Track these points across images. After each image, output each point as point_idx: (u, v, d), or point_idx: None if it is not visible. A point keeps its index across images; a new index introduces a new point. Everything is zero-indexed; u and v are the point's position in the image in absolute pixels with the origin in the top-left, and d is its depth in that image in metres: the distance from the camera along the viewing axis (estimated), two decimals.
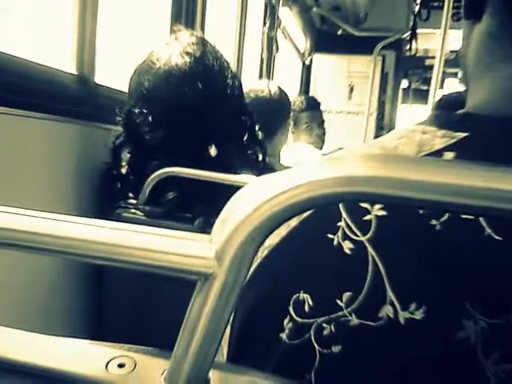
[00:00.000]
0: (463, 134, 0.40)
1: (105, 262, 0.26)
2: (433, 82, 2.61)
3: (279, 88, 2.00)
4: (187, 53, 1.07)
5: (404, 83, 4.65)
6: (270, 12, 2.78)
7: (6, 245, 0.27)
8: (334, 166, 0.24)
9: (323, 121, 2.85)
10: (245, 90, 1.23)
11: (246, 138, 1.15)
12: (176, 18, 1.74)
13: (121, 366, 0.29)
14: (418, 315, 0.36)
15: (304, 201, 0.24)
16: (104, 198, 1.17)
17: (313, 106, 2.81)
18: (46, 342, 0.31)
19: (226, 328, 0.26)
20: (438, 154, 0.40)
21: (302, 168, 0.25)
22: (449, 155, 0.39)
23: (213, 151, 1.06)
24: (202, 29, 1.86)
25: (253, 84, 2.00)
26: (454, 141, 0.40)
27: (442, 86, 2.88)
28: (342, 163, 0.25)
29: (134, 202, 1.08)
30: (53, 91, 1.08)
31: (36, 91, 1.01)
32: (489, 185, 0.22)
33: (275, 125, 1.93)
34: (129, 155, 1.09)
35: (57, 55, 1.18)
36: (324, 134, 2.85)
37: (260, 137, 1.24)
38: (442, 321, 0.36)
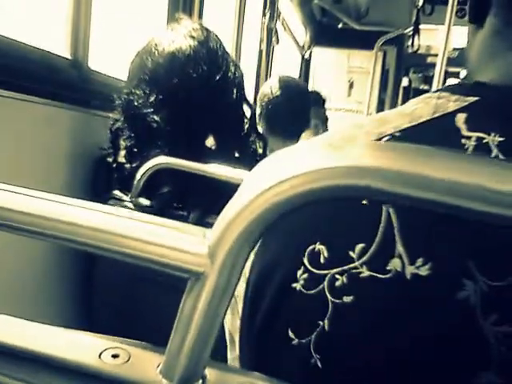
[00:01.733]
0: (474, 98, 0.43)
1: (91, 249, 0.24)
2: (435, 80, 2.59)
3: (302, 83, 1.97)
4: (191, 36, 1.07)
5: (404, 81, 4.63)
6: (270, 2, 2.76)
7: None
8: (339, 154, 0.22)
9: (327, 118, 2.83)
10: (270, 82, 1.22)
11: (246, 129, 1.14)
12: (173, 8, 1.72)
13: (115, 356, 0.28)
14: (424, 271, 0.37)
15: (301, 194, 0.22)
16: (96, 187, 1.15)
17: (316, 102, 2.78)
18: (38, 329, 0.30)
19: (220, 325, 0.25)
20: (451, 115, 0.42)
21: (302, 154, 0.23)
22: (461, 117, 0.42)
23: (211, 141, 1.05)
24: (200, 19, 1.85)
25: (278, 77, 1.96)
26: (465, 104, 0.43)
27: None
28: (347, 151, 0.22)
29: (127, 193, 1.06)
30: (45, 75, 1.05)
31: (27, 74, 0.98)
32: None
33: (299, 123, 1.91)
34: (126, 141, 1.07)
35: (51, 38, 1.17)
36: (327, 131, 2.83)
37: (260, 130, 1.23)
38: (445, 279, 0.37)
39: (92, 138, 1.15)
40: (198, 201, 1.00)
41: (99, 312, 1.09)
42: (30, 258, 1.00)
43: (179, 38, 1.07)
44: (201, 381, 0.26)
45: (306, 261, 0.42)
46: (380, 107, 4.28)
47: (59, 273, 1.11)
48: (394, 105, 4.34)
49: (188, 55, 1.04)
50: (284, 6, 3.14)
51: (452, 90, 0.46)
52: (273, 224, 0.23)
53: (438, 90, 0.47)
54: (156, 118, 1.01)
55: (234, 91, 1.10)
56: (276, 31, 2.88)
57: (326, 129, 2.83)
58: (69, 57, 1.16)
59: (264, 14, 2.76)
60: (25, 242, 0.90)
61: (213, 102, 1.04)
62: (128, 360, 0.28)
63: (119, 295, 1.02)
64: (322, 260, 0.42)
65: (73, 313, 1.16)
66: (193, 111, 1.03)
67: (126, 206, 1.04)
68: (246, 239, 0.23)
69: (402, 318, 0.38)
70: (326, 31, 4.16)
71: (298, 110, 1.88)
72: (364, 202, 0.41)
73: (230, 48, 2.31)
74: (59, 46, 1.15)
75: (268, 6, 2.76)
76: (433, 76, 2.63)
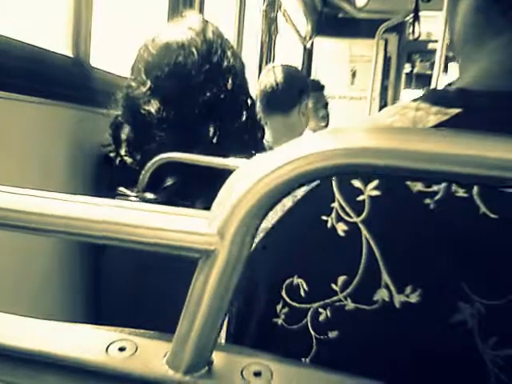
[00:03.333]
0: (456, 110, 0.40)
1: (102, 240, 0.25)
2: (436, 66, 2.57)
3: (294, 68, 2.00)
4: (190, 28, 1.08)
5: (407, 68, 4.60)
6: None
7: (3, 225, 0.26)
8: (340, 137, 0.23)
9: (327, 103, 2.85)
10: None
11: (244, 118, 1.13)
12: (174, 2, 1.71)
13: (121, 349, 0.28)
14: (414, 298, 0.36)
15: (307, 172, 0.23)
16: (99, 185, 1.16)
17: (316, 88, 2.80)
18: (44, 326, 0.30)
19: (229, 306, 0.25)
20: None
21: (305, 139, 0.24)
22: None
23: (211, 130, 1.05)
24: (201, 11, 1.84)
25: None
26: (447, 117, 0.40)
27: (446, 70, 2.83)
28: (346, 134, 0.24)
29: (132, 189, 1.07)
30: (47, 73, 1.05)
31: (29, 73, 0.99)
32: (501, 154, 0.21)
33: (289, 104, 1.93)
34: (127, 135, 1.08)
35: (52, 37, 1.17)
36: (328, 116, 2.85)
37: (259, 118, 1.23)
38: (437, 304, 0.36)
39: (94, 136, 1.15)
40: (200, 190, 1.01)
41: (106, 307, 1.10)
42: (35, 256, 1.01)
43: (177, 30, 1.08)
44: (207, 368, 0.26)
45: (284, 295, 0.41)
46: (383, 94, 4.27)
47: (65, 271, 1.12)
48: (396, 91, 4.32)
49: (181, 45, 1.05)
50: None
51: (432, 99, 0.43)
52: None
53: (416, 99, 0.44)
54: (146, 107, 1.02)
55: (230, 80, 1.08)
56: (276, 21, 2.86)
57: (326, 113, 2.85)
58: (70, 55, 1.16)
59: (264, 5, 2.74)
60: (30, 240, 0.91)
61: (206, 90, 1.04)
62: (135, 352, 0.27)
63: (126, 289, 1.03)
64: (302, 293, 0.40)
65: (80, 309, 1.17)
66: (186, 100, 1.03)
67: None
68: (255, 215, 0.23)
69: (393, 347, 0.37)
70: (328, 21, 4.14)
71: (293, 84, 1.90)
72: (341, 233, 0.39)
73: (231, 40, 2.30)
74: (61, 44, 1.15)
75: None
76: (434, 62, 2.61)
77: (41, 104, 0.97)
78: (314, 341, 0.39)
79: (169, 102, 1.03)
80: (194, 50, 1.04)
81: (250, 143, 1.13)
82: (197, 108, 1.03)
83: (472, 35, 0.44)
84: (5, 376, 0.27)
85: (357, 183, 0.40)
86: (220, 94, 1.06)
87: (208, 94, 1.04)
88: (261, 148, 1.18)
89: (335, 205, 0.40)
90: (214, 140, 1.04)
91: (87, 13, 1.17)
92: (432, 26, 3.63)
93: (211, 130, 1.04)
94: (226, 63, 1.08)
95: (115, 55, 1.48)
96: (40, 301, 1.03)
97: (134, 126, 1.06)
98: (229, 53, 1.10)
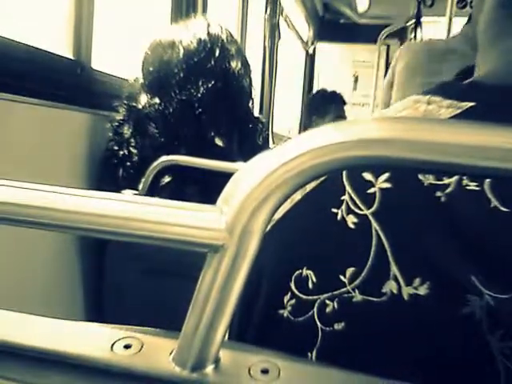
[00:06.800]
0: (469, 104, 0.39)
1: (112, 236, 0.25)
2: None
3: None
4: (187, 28, 1.09)
5: None
6: None
7: (11, 220, 0.26)
8: (349, 129, 0.23)
9: (341, 116, 2.89)
10: None
11: (234, 123, 1.13)
12: (177, 4, 1.71)
13: (127, 347, 0.28)
14: (422, 291, 0.36)
15: (316, 166, 0.22)
16: (102, 186, 1.15)
17: (337, 100, 2.86)
18: (49, 324, 0.30)
19: (237, 302, 0.24)
20: None
21: (317, 131, 0.23)
22: None
23: (218, 139, 1.05)
24: (204, 14, 1.85)
25: None
26: (459, 111, 0.39)
27: None
28: (355, 126, 0.23)
29: (135, 192, 1.06)
30: (48, 76, 1.05)
31: (30, 75, 0.98)
32: None
33: None
34: (126, 133, 1.08)
35: (53, 39, 1.17)
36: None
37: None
38: (446, 296, 0.35)
39: (97, 138, 1.15)
40: (210, 192, 1.00)
41: (110, 311, 1.09)
42: (40, 256, 1.01)
43: (176, 30, 1.10)
44: (214, 365, 0.25)
45: (293, 286, 0.41)
46: None
47: (69, 272, 1.12)
48: None
49: (172, 43, 1.06)
50: (287, 2, 3.13)
51: (444, 92, 0.42)
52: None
53: (427, 93, 0.43)
54: (138, 102, 1.03)
55: (215, 82, 1.07)
56: (278, 27, 2.87)
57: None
58: (72, 57, 1.16)
59: (266, 10, 2.75)
60: (32, 240, 0.91)
61: (183, 89, 1.04)
62: (140, 349, 0.27)
63: (130, 292, 1.03)
64: (310, 285, 0.40)
65: (83, 311, 1.16)
66: (168, 96, 1.04)
67: None
68: (264, 211, 0.23)
69: (401, 339, 0.36)
70: (329, 26, 4.15)
71: None
72: (351, 225, 0.39)
73: None
74: (62, 46, 1.15)
75: (270, 2, 2.75)
76: None
77: (42, 106, 0.97)
78: (320, 332, 0.39)
79: (154, 97, 1.04)
80: (181, 48, 1.05)
81: (242, 146, 1.12)
82: (178, 105, 1.03)
83: (493, 31, 0.44)
84: (10, 373, 0.27)
85: (368, 176, 0.40)
86: (198, 94, 1.04)
87: (186, 92, 1.04)
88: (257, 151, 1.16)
89: (345, 197, 0.40)
90: (218, 147, 1.04)
91: (88, 15, 1.17)
92: (434, 31, 3.64)
93: (195, 129, 1.04)
94: (211, 64, 1.07)
95: (118, 58, 1.48)
96: (40, 301, 1.03)
97: (130, 122, 1.07)
98: (227, 55, 1.09)
